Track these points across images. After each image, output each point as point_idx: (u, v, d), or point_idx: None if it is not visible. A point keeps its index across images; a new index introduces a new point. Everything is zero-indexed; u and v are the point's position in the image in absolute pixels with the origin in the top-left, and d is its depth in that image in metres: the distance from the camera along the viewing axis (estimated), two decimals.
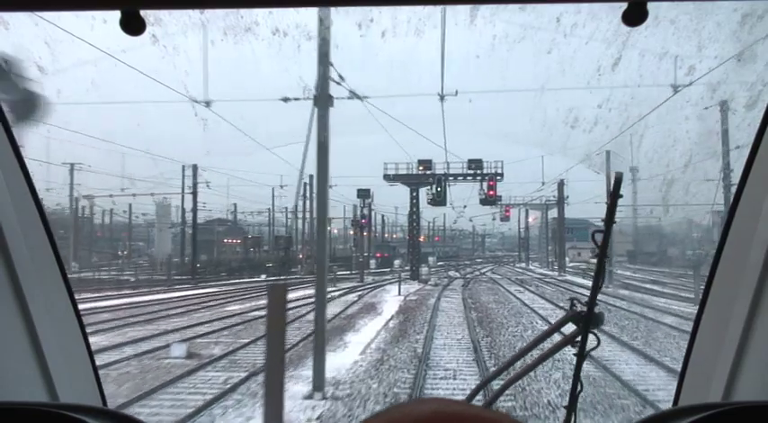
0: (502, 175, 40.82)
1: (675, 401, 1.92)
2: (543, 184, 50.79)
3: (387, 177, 42.90)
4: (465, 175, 41.58)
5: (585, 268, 52.65)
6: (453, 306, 25.23)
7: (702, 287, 1.89)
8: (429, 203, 41.37)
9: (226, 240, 59.14)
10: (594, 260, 1.61)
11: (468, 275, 49.31)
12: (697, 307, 1.90)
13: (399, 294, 30.28)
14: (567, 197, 51.26)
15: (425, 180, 41.67)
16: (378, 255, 60.83)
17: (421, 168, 42.05)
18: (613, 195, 1.52)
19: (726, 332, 1.68)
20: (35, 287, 1.66)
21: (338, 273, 45.28)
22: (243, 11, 14.53)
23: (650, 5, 1.17)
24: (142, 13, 1.17)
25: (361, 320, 20.97)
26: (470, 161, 40.88)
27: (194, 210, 46.70)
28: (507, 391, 2.14)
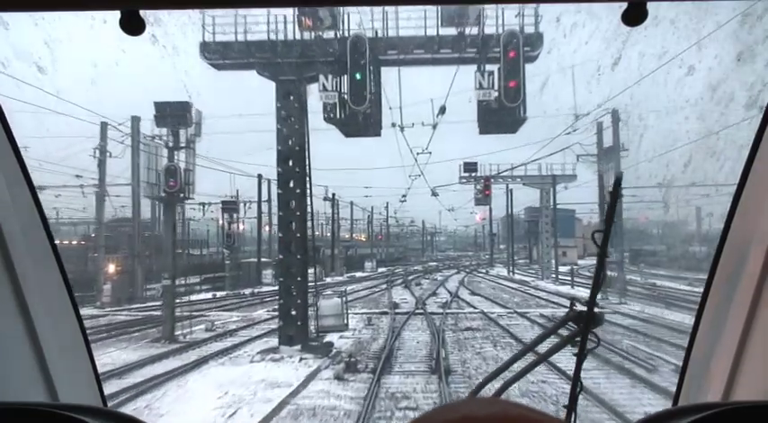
0: (535, 54, 15.77)
1: (675, 401, 1.91)
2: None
3: (206, 49, 15.95)
4: (435, 45, 15.87)
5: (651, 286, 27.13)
6: None
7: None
8: (327, 121, 16.01)
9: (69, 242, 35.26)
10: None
11: (426, 300, 27.40)
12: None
13: None
14: (625, 150, 27.12)
15: (317, 59, 15.74)
16: None
17: (307, 23, 15.65)
18: (613, 195, 1.52)
19: (725, 332, 1.68)
20: (35, 287, 1.66)
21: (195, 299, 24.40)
22: (243, 11, 14.56)
23: (650, 5, 1.17)
24: (142, 13, 1.17)
25: None
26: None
27: None
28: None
